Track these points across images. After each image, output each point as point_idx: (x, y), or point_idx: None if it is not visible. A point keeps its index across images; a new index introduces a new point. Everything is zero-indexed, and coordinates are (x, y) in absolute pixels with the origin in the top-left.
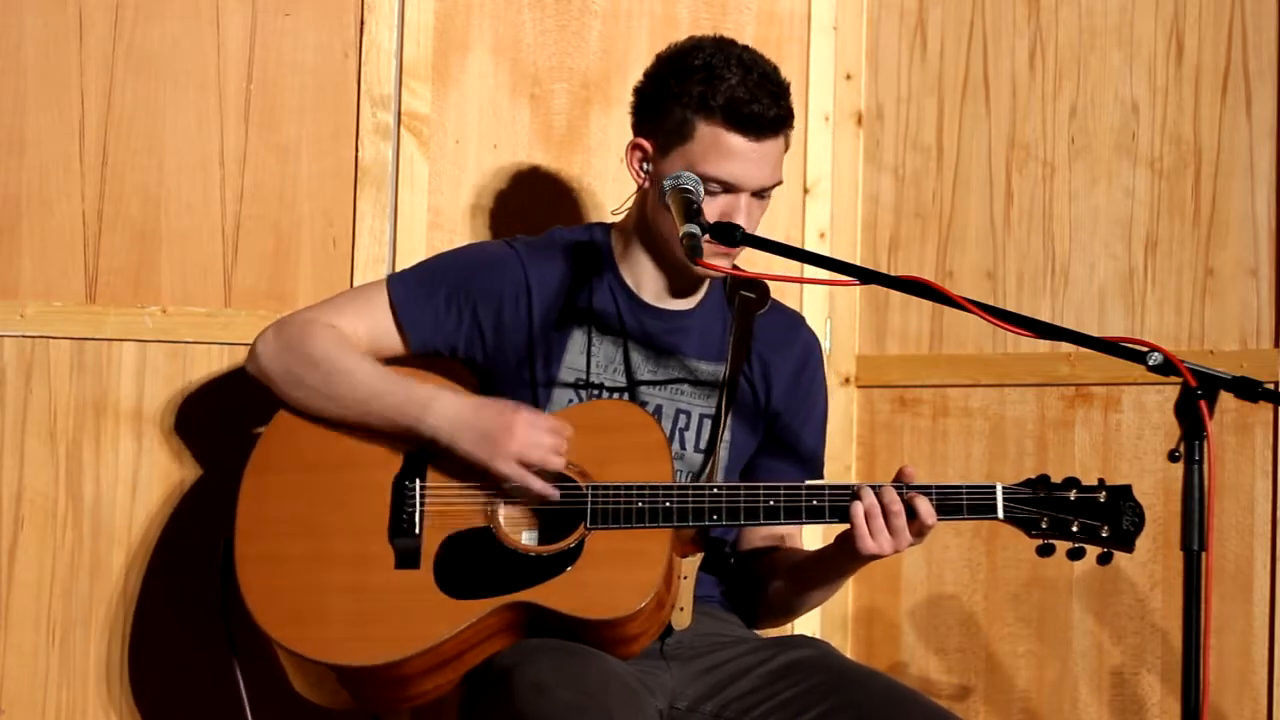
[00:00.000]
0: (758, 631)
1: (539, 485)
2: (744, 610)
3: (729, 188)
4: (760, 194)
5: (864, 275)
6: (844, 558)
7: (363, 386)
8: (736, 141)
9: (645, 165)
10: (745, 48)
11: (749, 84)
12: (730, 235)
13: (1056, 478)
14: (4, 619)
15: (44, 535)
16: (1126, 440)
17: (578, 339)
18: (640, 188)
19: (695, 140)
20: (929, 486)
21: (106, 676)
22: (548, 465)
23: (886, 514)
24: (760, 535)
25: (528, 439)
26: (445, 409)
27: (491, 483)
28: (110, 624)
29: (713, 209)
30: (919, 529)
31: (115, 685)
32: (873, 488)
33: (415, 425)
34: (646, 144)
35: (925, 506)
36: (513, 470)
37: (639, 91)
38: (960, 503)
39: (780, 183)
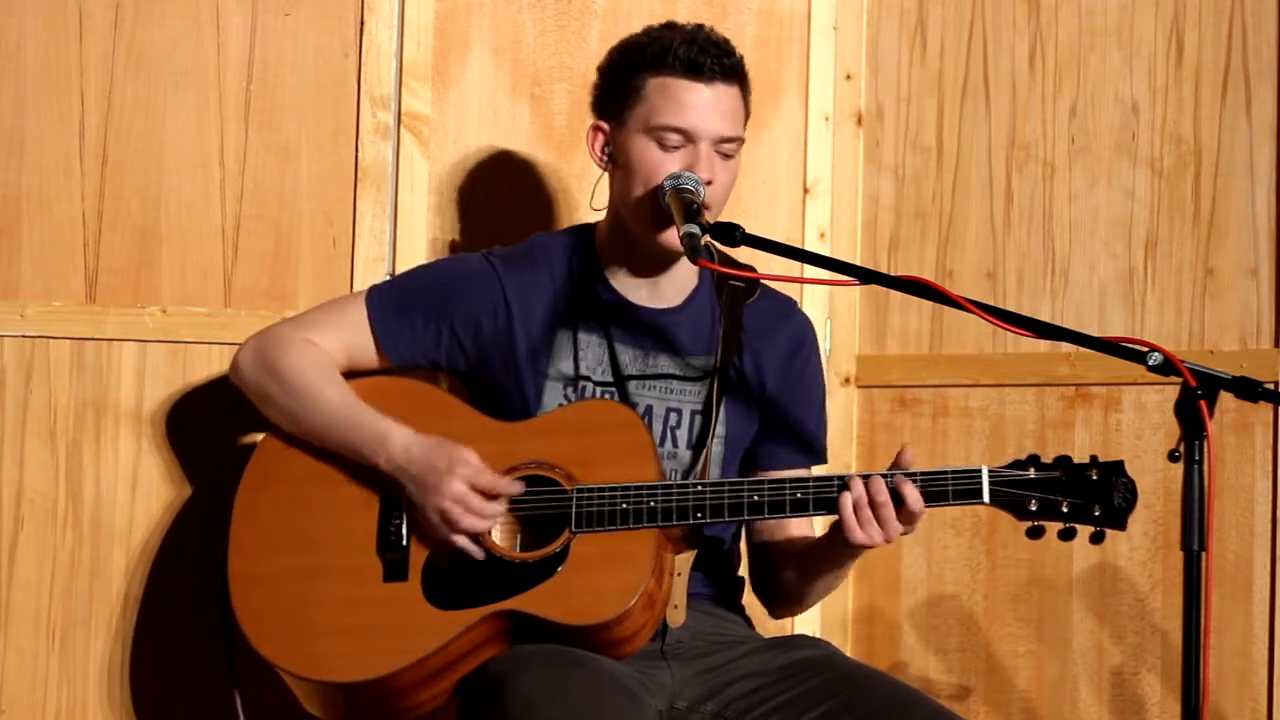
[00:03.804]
0: (775, 621)
1: (469, 524)
2: (766, 601)
3: (687, 137)
4: (723, 152)
5: (864, 275)
6: (838, 547)
7: (323, 415)
8: (685, 86)
9: (606, 147)
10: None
11: (695, 40)
12: (730, 235)
13: None
14: (4, 619)
15: (44, 535)
16: (1126, 440)
17: (564, 343)
18: (604, 171)
19: (647, 96)
20: (914, 472)
21: (106, 677)
22: (464, 526)
23: (873, 504)
24: (769, 525)
25: (469, 480)
26: (394, 449)
27: None
28: (110, 624)
29: (673, 163)
30: (908, 517)
31: (115, 685)
32: (861, 478)
33: (370, 462)
34: (604, 124)
35: (913, 494)
36: (451, 512)
37: (595, 85)
38: (945, 488)
39: (741, 140)
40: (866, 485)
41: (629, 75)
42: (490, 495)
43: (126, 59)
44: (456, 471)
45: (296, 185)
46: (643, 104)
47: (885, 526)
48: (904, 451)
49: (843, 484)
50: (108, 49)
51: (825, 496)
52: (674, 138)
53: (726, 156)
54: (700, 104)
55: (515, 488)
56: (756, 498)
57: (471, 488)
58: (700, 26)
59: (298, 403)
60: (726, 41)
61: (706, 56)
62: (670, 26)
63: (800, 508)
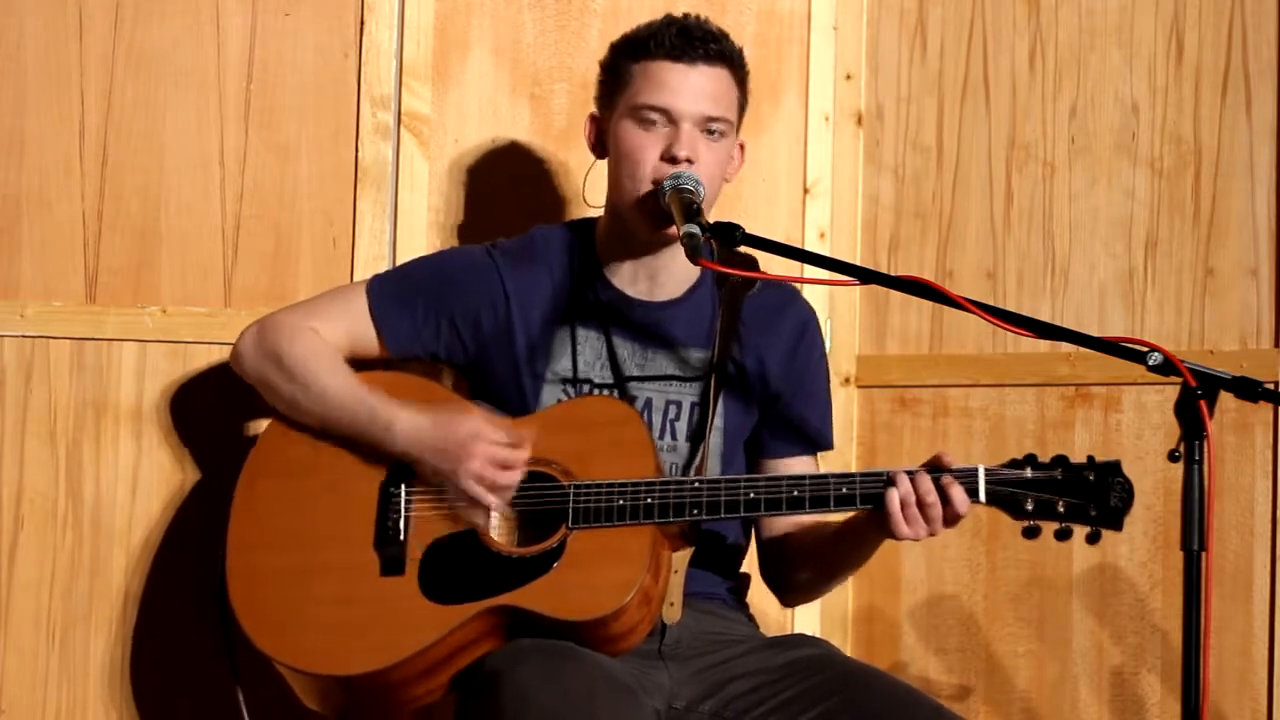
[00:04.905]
0: (769, 623)
1: (495, 502)
2: (778, 593)
3: (668, 116)
4: (709, 130)
5: (864, 275)
6: (873, 537)
7: (329, 401)
8: (667, 67)
9: (598, 134)
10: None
11: (680, 26)
12: (730, 235)
13: None
14: (4, 619)
15: (44, 535)
16: (1126, 440)
17: (563, 338)
18: (597, 158)
19: (631, 80)
20: (912, 469)
21: (106, 676)
22: (502, 481)
23: (921, 504)
24: (779, 521)
25: (485, 455)
26: (406, 429)
27: None
28: (110, 624)
29: (653, 141)
30: (953, 515)
31: (115, 685)
32: (908, 473)
33: (380, 445)
34: (597, 113)
35: (959, 495)
36: (473, 489)
37: (597, 80)
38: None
39: (728, 121)
40: (914, 483)
41: (619, 63)
42: (510, 464)
43: (126, 59)
44: (474, 450)
45: (296, 185)
46: (628, 88)
47: (932, 524)
48: (942, 455)
49: (889, 480)
50: (108, 49)
51: (821, 494)
52: (654, 116)
53: (713, 137)
54: (681, 84)
55: (529, 434)
56: (753, 495)
57: (490, 460)
58: (694, 16)
59: (301, 389)
60: (720, 30)
61: (692, 39)
62: (666, 18)
63: (796, 505)
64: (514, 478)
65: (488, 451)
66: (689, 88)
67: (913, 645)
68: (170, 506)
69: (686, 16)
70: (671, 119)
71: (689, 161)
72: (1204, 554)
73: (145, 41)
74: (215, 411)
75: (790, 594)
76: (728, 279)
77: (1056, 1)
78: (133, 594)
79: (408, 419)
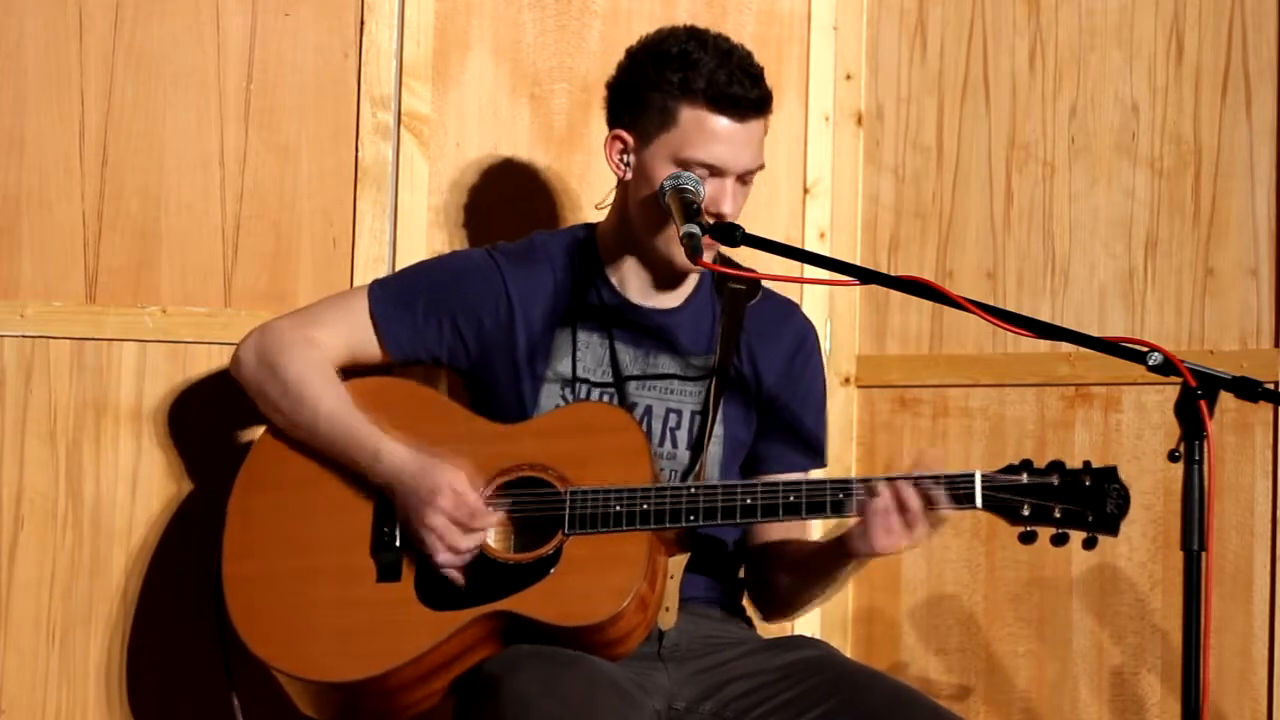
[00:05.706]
0: (768, 625)
1: (443, 559)
2: (759, 604)
3: (715, 171)
4: (744, 180)
5: (864, 275)
6: (849, 548)
7: (318, 421)
8: (721, 123)
9: (626, 157)
10: (718, 35)
11: (728, 67)
12: (730, 235)
13: None
14: (4, 619)
15: (44, 535)
16: (1126, 440)
17: (564, 342)
18: (621, 180)
19: (679, 126)
20: (909, 475)
21: (106, 676)
22: (458, 544)
23: (902, 510)
24: (763, 529)
25: (449, 510)
26: (388, 464)
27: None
28: (110, 624)
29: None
30: (935, 521)
31: (115, 685)
32: (885, 482)
33: (365, 473)
34: (626, 135)
35: (942, 501)
36: (428, 541)
37: (613, 85)
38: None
39: (762, 166)
40: (896, 491)
41: (659, 95)
42: (470, 527)
43: (126, 59)
44: (437, 504)
45: (296, 185)
46: (674, 131)
47: (912, 530)
48: (925, 453)
49: (869, 489)
50: (108, 49)
51: (818, 500)
52: (703, 171)
53: (746, 184)
54: (734, 141)
55: (494, 519)
56: (750, 500)
57: (451, 520)
58: (730, 45)
59: (295, 405)
60: (756, 64)
61: (742, 89)
62: (700, 41)
63: (793, 511)
64: (453, 560)
65: (452, 504)
66: (740, 144)
67: (913, 645)
68: (170, 507)
69: (729, 49)
70: (718, 172)
71: (727, 216)
72: (1204, 554)
73: (145, 41)
74: (215, 412)
75: (771, 605)
76: (727, 286)
77: (1056, 1)
78: (132, 594)
79: (390, 455)
